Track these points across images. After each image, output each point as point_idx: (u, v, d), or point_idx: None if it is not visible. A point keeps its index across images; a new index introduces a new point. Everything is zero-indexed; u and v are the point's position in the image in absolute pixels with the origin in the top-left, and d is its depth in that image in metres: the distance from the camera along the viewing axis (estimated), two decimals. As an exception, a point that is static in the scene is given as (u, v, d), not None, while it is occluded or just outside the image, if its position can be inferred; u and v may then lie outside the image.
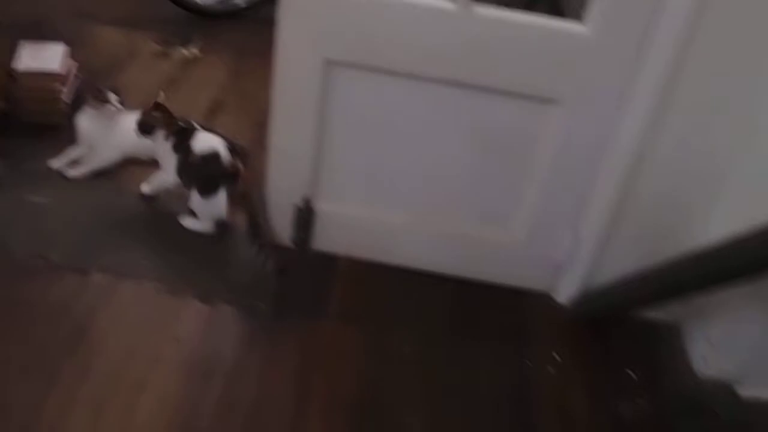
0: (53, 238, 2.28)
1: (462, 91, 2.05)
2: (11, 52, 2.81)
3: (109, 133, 2.54)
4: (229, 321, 2.13)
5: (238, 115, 2.94)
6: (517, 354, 2.19)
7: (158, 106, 2.35)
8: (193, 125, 2.37)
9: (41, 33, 3.25)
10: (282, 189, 2.27)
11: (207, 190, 2.31)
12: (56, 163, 2.54)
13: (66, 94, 2.75)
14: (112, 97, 2.52)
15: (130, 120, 2.43)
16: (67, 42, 2.99)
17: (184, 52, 3.30)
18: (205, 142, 2.33)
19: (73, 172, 2.53)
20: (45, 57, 2.76)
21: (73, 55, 2.87)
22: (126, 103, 2.55)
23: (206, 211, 2.35)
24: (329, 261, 2.36)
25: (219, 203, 2.32)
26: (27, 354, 1.94)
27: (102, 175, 2.55)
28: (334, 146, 2.18)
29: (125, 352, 1.99)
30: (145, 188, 2.49)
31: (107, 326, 2.05)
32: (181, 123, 2.37)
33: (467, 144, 2.16)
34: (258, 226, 2.30)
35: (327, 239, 2.36)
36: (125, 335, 2.04)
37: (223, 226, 2.36)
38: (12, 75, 2.71)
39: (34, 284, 2.14)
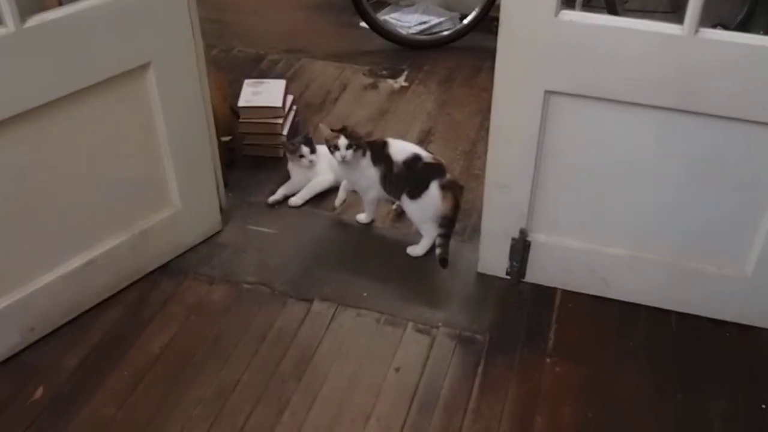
0: (278, 268, 2.40)
1: (688, 118, 1.95)
2: (234, 88, 3.01)
3: (318, 161, 2.67)
4: (448, 352, 2.13)
5: (446, 144, 2.97)
6: (752, 398, 2.04)
7: (343, 129, 2.41)
8: (382, 138, 2.45)
9: (260, 70, 3.48)
10: (498, 221, 2.26)
11: (418, 192, 2.35)
12: (274, 197, 2.68)
13: (285, 127, 2.89)
14: (305, 149, 2.63)
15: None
16: (284, 77, 3.16)
17: (392, 83, 3.38)
18: (401, 148, 2.40)
19: (295, 200, 2.66)
20: (265, 92, 2.92)
21: (289, 89, 3.03)
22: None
23: (423, 214, 2.38)
24: (545, 294, 2.32)
25: (433, 199, 2.34)
26: (258, 380, 2.05)
27: (323, 206, 2.67)
28: (553, 178, 2.14)
29: (348, 380, 2.05)
30: (362, 218, 2.57)
31: (330, 354, 2.12)
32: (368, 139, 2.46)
33: (693, 174, 2.05)
34: (456, 214, 2.36)
35: (542, 272, 2.32)
36: (347, 364, 2.10)
37: (448, 224, 2.36)
38: (235, 111, 2.89)
39: (260, 312, 2.25)
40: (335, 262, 2.45)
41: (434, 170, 2.35)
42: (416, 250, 2.44)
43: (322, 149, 2.60)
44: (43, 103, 1.90)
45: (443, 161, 2.42)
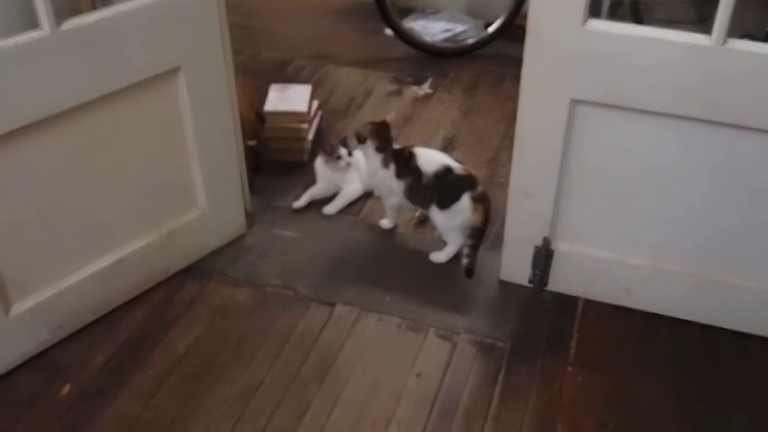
0: (301, 271, 2.43)
1: (714, 129, 1.94)
2: (260, 94, 3.03)
3: (350, 170, 2.68)
4: (469, 359, 2.14)
5: (470, 152, 2.98)
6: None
7: (383, 124, 2.44)
8: (409, 147, 2.45)
9: (285, 75, 3.51)
10: (521, 229, 2.26)
11: (448, 203, 2.35)
12: (298, 203, 2.70)
13: (310, 132, 2.91)
14: (342, 151, 2.64)
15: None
16: (309, 82, 3.18)
17: (417, 90, 3.40)
18: (430, 159, 2.39)
19: (327, 209, 2.67)
20: (291, 97, 2.94)
21: (315, 94, 3.05)
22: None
23: (451, 224, 2.39)
24: (567, 302, 2.32)
25: (464, 211, 2.34)
26: (281, 382, 2.07)
27: (347, 211, 2.69)
28: (577, 186, 2.15)
29: (370, 385, 2.06)
30: (384, 223, 2.59)
31: (352, 358, 2.14)
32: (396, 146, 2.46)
33: (717, 184, 2.04)
34: (486, 225, 2.36)
35: (565, 280, 2.32)
36: (369, 368, 2.11)
37: (478, 235, 2.36)
38: (261, 115, 2.92)
39: (283, 315, 2.27)
40: (358, 266, 2.46)
41: (466, 182, 2.34)
42: (439, 256, 2.45)
43: (357, 155, 2.61)
44: (75, 105, 1.93)
45: (474, 172, 2.41)
